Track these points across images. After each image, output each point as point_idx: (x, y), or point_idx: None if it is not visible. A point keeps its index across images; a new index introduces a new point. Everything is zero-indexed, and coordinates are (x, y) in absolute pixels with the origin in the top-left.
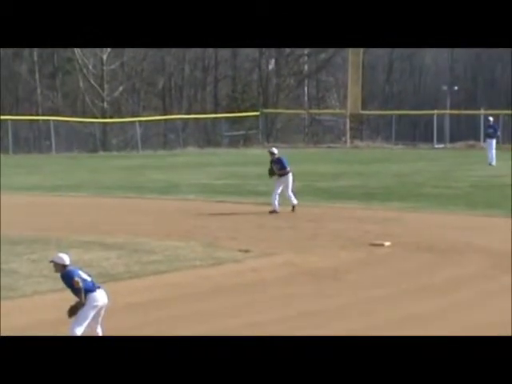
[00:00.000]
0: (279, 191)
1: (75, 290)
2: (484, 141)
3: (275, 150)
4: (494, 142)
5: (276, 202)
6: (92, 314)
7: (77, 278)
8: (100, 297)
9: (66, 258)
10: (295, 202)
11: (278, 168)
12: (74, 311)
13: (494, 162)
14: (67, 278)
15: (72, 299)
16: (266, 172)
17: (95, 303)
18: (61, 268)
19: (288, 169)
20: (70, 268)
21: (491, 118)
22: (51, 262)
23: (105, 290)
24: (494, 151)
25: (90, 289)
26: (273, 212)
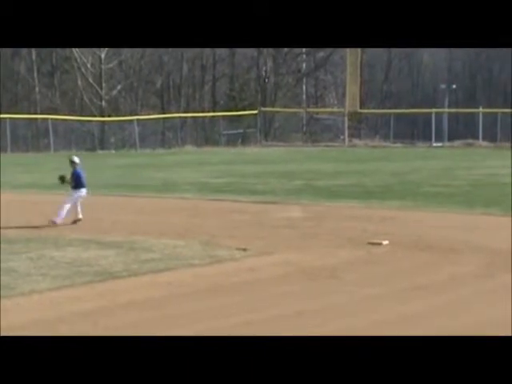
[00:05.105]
0: (70, 204)
1: None
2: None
3: (76, 160)
4: None
5: (64, 214)
6: None
7: None
8: None
9: None
10: (81, 216)
11: (71, 181)
12: None
13: None
14: None
15: (69, 298)
16: (265, 170)
17: None
18: None
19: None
20: None
21: None
22: None
23: None
24: None
25: None
26: (54, 223)
